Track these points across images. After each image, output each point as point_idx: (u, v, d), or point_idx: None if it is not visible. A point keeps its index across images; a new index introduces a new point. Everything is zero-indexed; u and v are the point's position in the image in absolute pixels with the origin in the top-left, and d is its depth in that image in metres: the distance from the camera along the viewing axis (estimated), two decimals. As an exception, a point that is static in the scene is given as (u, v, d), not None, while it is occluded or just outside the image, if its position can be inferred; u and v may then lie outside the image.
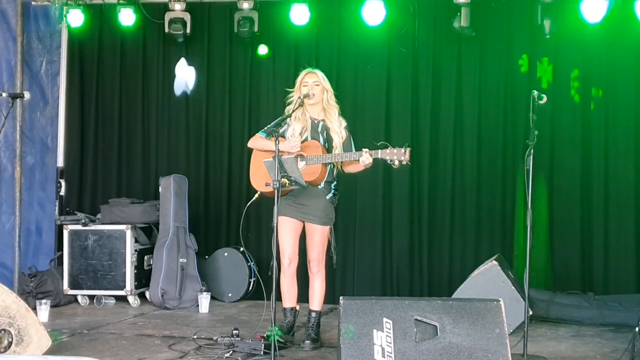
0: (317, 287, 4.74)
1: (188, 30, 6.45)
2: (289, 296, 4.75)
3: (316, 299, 4.75)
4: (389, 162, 4.44)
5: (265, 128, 4.69)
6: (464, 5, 5.86)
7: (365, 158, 4.44)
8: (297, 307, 4.81)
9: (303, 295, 4.88)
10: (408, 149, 4.41)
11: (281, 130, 4.66)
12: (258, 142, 4.75)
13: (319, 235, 4.67)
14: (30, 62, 6.64)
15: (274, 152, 4.23)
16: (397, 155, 4.41)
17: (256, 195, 4.65)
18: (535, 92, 4.43)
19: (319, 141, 4.65)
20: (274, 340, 4.01)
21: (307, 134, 4.67)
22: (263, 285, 4.91)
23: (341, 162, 4.64)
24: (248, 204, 4.62)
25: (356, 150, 4.64)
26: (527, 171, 4.34)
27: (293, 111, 4.63)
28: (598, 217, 6.02)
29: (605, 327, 5.41)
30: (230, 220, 6.67)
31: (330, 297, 5.46)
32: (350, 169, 4.70)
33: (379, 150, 4.45)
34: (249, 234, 6.54)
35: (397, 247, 6.33)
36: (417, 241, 6.31)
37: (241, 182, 6.56)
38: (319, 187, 4.64)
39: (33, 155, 6.70)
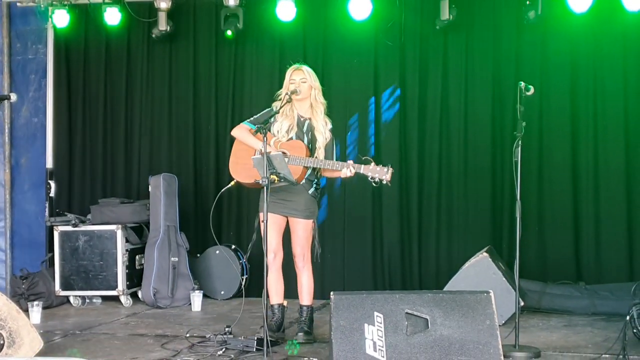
0: (305, 282, 4.74)
1: (166, 28, 6.42)
2: (276, 292, 4.73)
3: (305, 293, 4.75)
4: (369, 179, 4.41)
5: (252, 118, 4.68)
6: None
7: (347, 172, 4.44)
8: (285, 303, 4.80)
9: (292, 292, 4.88)
10: (391, 169, 4.39)
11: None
12: (243, 133, 4.72)
13: (302, 229, 4.68)
14: (13, 63, 6.61)
15: (261, 149, 4.22)
16: (380, 174, 4.38)
17: (232, 183, 4.65)
18: (522, 84, 4.44)
19: (304, 141, 4.65)
20: (266, 337, 4.02)
21: (293, 132, 4.67)
22: (248, 273, 4.82)
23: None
24: (222, 191, 4.62)
25: (337, 155, 4.64)
26: (516, 163, 4.35)
27: (281, 107, 4.62)
28: (588, 206, 6.03)
29: (596, 316, 5.44)
30: (221, 218, 6.66)
31: (322, 293, 5.46)
32: (328, 174, 4.72)
33: (362, 166, 4.43)
34: (231, 232, 6.55)
35: (388, 241, 6.33)
36: (407, 235, 6.31)
37: (231, 179, 6.53)
38: (300, 183, 4.64)
39: (20, 156, 6.69)
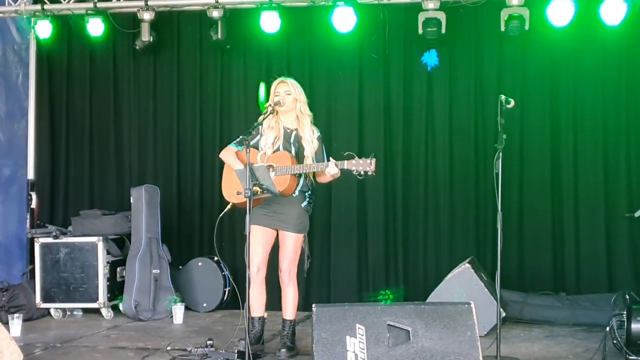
0: (290, 297, 4.71)
1: (149, 39, 6.40)
2: (257, 305, 4.70)
3: (289, 308, 4.73)
4: (354, 173, 4.43)
5: (237, 140, 4.65)
6: (426, 10, 5.92)
7: (331, 169, 4.44)
8: (265, 316, 4.78)
9: (277, 304, 4.86)
10: (374, 160, 4.41)
11: (254, 140, 4.66)
12: (227, 155, 4.75)
13: (292, 244, 4.65)
14: (6, 75, 6.59)
15: (245, 161, 4.22)
16: (363, 166, 4.40)
17: (228, 206, 4.64)
18: (503, 97, 4.48)
19: (291, 151, 4.64)
20: (247, 350, 4.00)
21: (280, 143, 4.66)
22: (239, 293, 4.88)
23: (312, 172, 4.63)
24: (220, 216, 4.59)
25: (328, 159, 4.64)
26: (497, 174, 4.39)
27: (264, 119, 4.62)
28: (569, 217, 6.09)
29: (578, 326, 5.47)
30: (203, 230, 6.64)
31: (307, 305, 5.44)
32: (321, 179, 4.70)
33: (345, 161, 4.44)
34: (223, 243, 6.50)
35: (373, 253, 6.35)
36: (393, 247, 6.33)
37: (213, 191, 6.52)
38: (293, 195, 4.63)
39: (9, 168, 6.64)
